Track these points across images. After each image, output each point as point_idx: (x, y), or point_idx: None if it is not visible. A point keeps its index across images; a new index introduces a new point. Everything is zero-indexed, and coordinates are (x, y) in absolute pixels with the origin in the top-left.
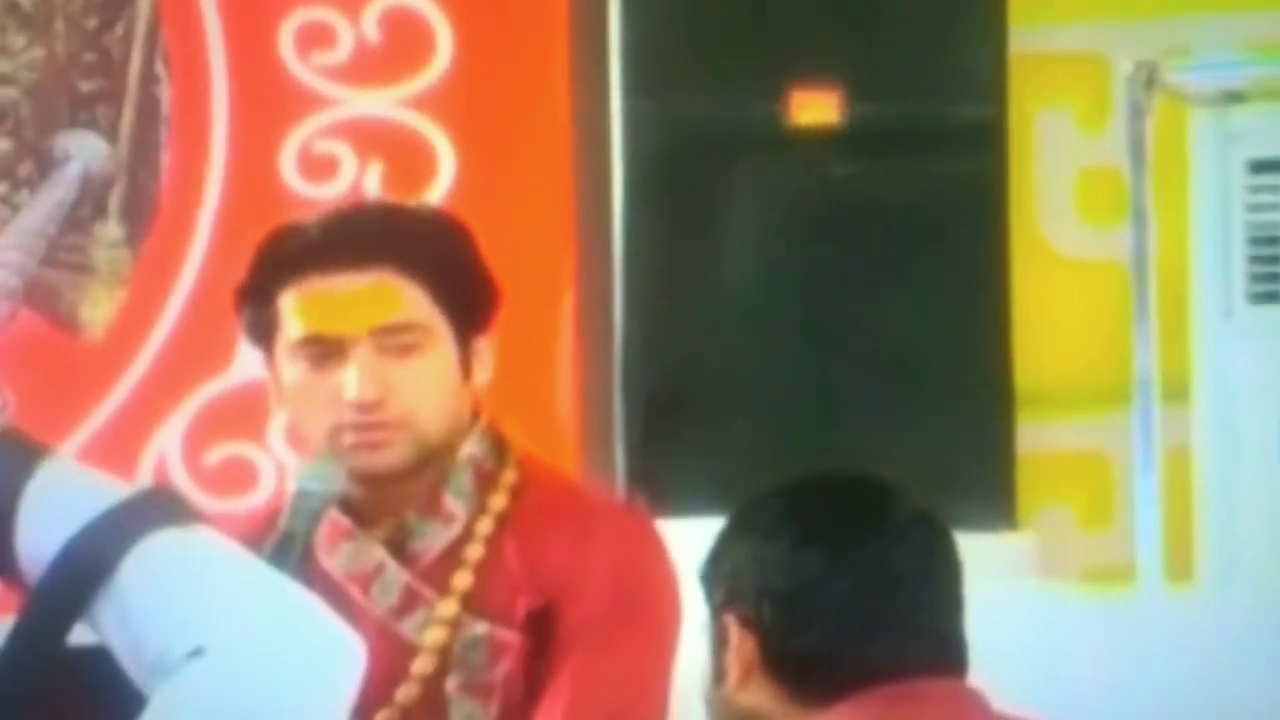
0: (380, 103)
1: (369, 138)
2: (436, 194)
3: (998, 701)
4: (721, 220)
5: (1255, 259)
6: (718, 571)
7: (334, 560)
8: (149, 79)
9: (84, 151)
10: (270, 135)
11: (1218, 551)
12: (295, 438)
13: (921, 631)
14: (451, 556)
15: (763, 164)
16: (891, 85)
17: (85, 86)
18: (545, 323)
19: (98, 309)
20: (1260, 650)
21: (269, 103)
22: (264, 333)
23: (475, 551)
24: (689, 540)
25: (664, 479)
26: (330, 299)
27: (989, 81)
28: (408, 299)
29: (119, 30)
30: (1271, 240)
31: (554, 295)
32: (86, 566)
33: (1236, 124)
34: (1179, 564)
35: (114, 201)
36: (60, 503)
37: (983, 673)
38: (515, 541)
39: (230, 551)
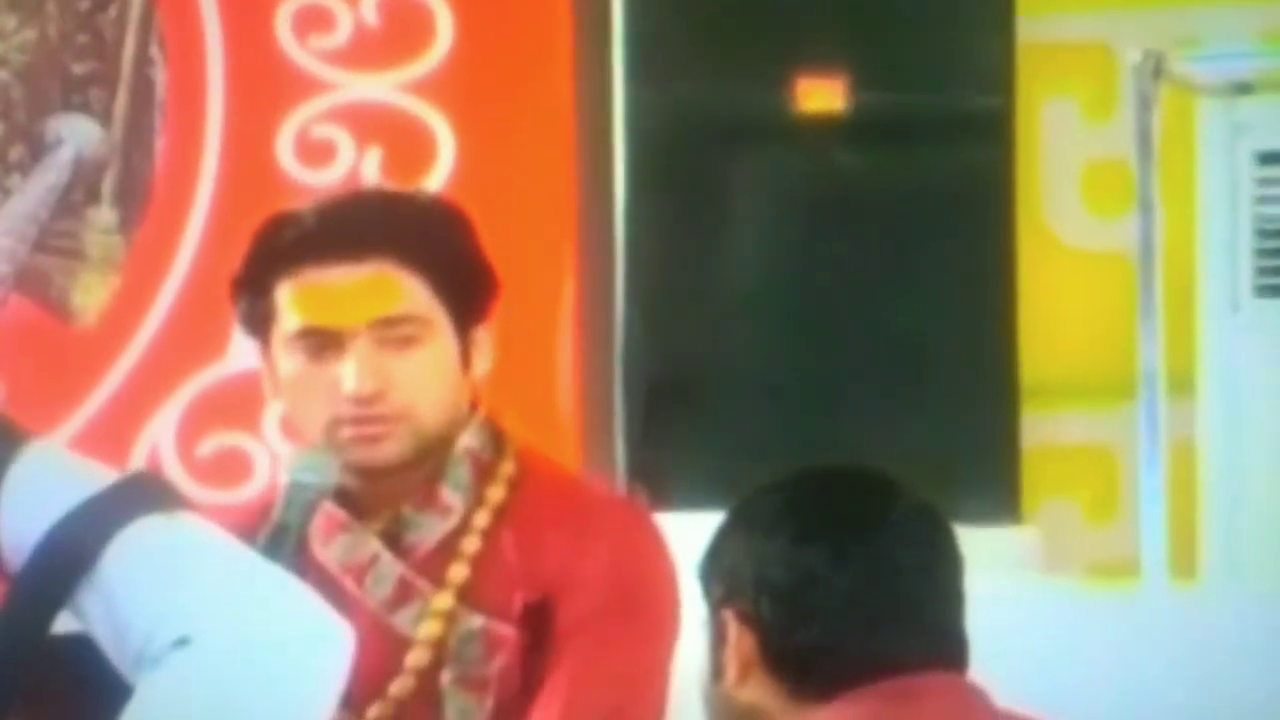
0: (379, 87)
1: (367, 123)
2: (436, 180)
3: (1000, 697)
4: (725, 209)
5: (1262, 252)
6: (716, 567)
7: (328, 552)
8: (143, 61)
9: (76, 135)
10: (267, 119)
11: (1223, 547)
12: (291, 428)
13: (922, 627)
14: (447, 549)
15: (767, 152)
16: (897, 73)
17: (78, 69)
18: (545, 313)
19: (90, 295)
20: (1264, 647)
21: (266, 86)
22: (260, 324)
23: (472, 544)
24: (690, 534)
25: (665, 472)
26: (328, 291)
27: (996, 71)
28: (406, 290)
29: (112, 12)
30: (1279, 233)
31: (554, 285)
32: (69, 554)
33: (1244, 115)
34: (1183, 559)
35: (107, 186)
36: (42, 489)
37: (986, 668)
38: (513, 534)
39: (215, 538)
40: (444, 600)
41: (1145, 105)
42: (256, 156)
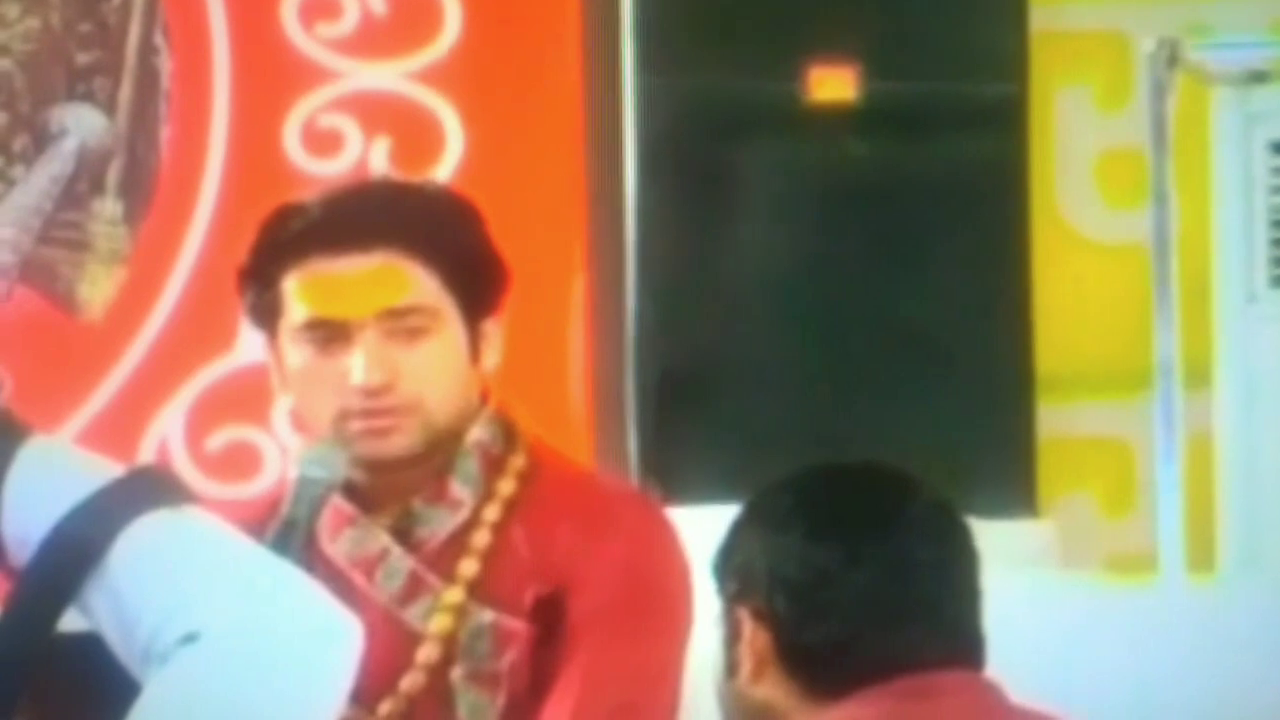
0: (386, 76)
1: (375, 112)
2: (444, 170)
3: (1017, 691)
4: (737, 200)
5: (1278, 242)
6: (730, 563)
7: (337, 547)
8: (148, 50)
9: (81, 125)
10: (273, 109)
11: (1240, 540)
12: (300, 421)
13: (938, 623)
14: (457, 543)
15: (779, 142)
16: (910, 62)
17: (82, 58)
18: (556, 304)
19: (96, 288)
20: None
21: (272, 75)
22: (267, 315)
23: (482, 538)
24: (704, 528)
25: (678, 465)
26: (335, 282)
27: (1009, 59)
28: (415, 281)
29: (116, 0)
30: None
31: (565, 276)
32: (76, 550)
33: (1260, 104)
34: (1201, 552)
35: (112, 177)
36: (45, 484)
37: (1003, 662)
38: (524, 528)
39: (222, 533)
40: (454, 595)
41: (1160, 94)
42: (263, 146)
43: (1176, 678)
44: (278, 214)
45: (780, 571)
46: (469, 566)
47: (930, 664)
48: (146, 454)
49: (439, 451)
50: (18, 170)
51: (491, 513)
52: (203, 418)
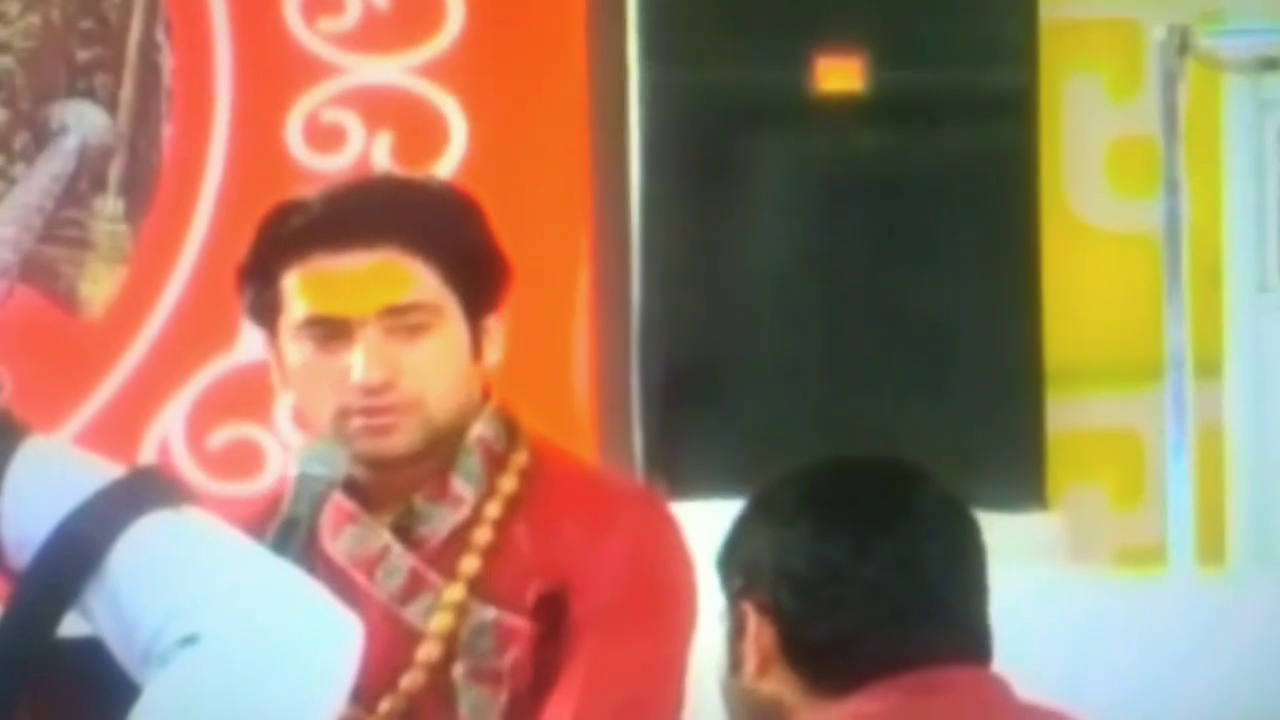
0: (389, 70)
1: (378, 107)
2: (447, 165)
3: (1026, 685)
4: (743, 192)
5: None
6: (735, 558)
7: (338, 545)
8: (149, 47)
9: (82, 122)
10: (275, 105)
11: (1251, 532)
12: (302, 419)
13: (945, 619)
14: (459, 540)
15: (786, 133)
16: (918, 51)
17: (83, 55)
18: (560, 300)
19: (97, 286)
20: None
21: (274, 71)
22: (267, 313)
23: (483, 535)
24: (710, 523)
25: (683, 460)
26: (336, 279)
27: (1019, 47)
28: (416, 278)
29: None
30: None
31: (569, 271)
32: (76, 553)
33: (1272, 92)
34: (1211, 545)
35: (113, 174)
36: (45, 485)
37: (1011, 656)
38: (526, 525)
39: (222, 533)
40: (455, 592)
41: (1170, 83)
42: (265, 142)
43: (1186, 671)
44: (278, 211)
45: (786, 566)
46: (470, 564)
47: (937, 659)
48: (148, 452)
49: (440, 449)
50: (18, 168)
51: (493, 510)
52: (204, 416)
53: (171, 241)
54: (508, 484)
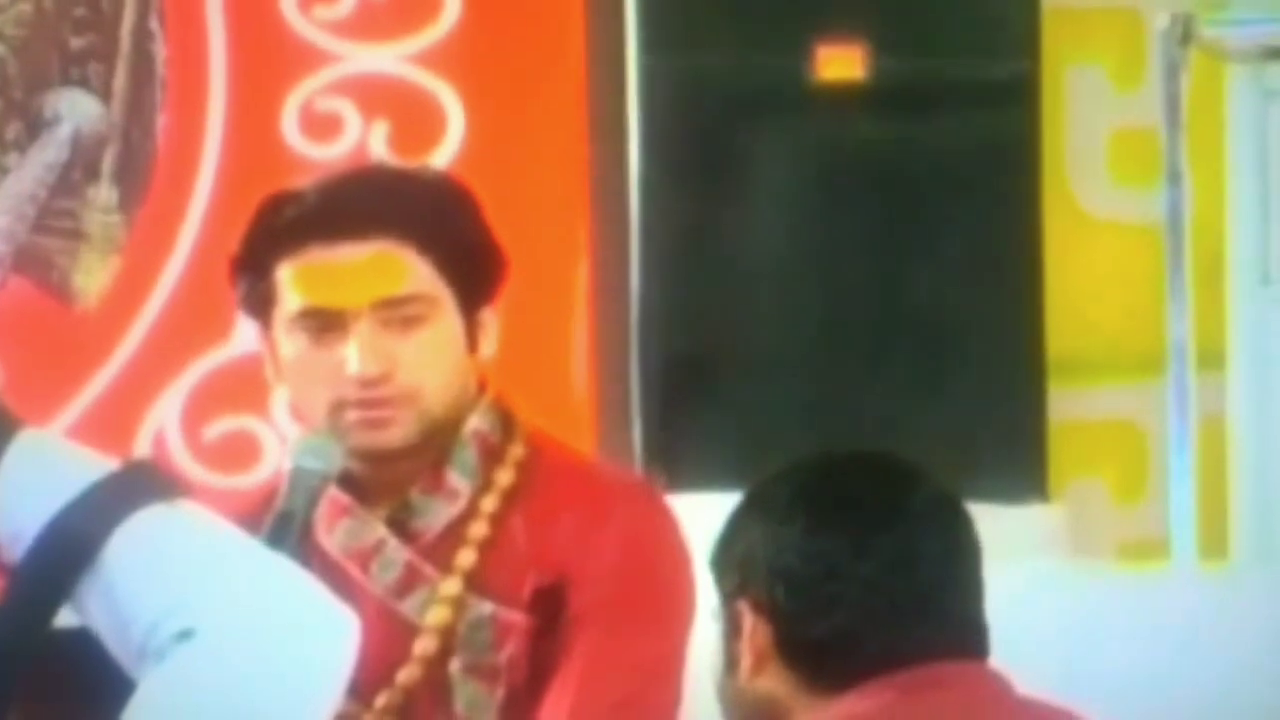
0: (385, 58)
1: (374, 95)
2: (444, 154)
3: (1025, 679)
4: (743, 181)
5: None
6: (730, 556)
7: (333, 538)
8: (143, 35)
9: (75, 111)
10: (271, 93)
11: (1253, 526)
12: (298, 412)
13: (941, 616)
14: (455, 534)
15: (786, 122)
16: (919, 40)
17: (76, 43)
18: (559, 291)
19: (91, 276)
20: None
21: (269, 59)
22: (261, 305)
23: (480, 529)
24: (710, 515)
25: (683, 453)
26: (330, 271)
27: (1020, 36)
28: (410, 270)
29: None
30: None
31: (568, 262)
32: (70, 548)
33: (1275, 81)
34: (1213, 539)
35: (107, 164)
36: (38, 479)
37: (1010, 650)
38: (523, 518)
39: (217, 528)
40: (452, 586)
41: (1173, 72)
42: (260, 131)
43: (1187, 666)
44: (271, 202)
45: (782, 563)
46: (466, 557)
47: (934, 657)
48: (143, 444)
49: (436, 442)
50: (11, 158)
51: (489, 503)
52: (200, 407)
53: (166, 231)
54: (504, 477)
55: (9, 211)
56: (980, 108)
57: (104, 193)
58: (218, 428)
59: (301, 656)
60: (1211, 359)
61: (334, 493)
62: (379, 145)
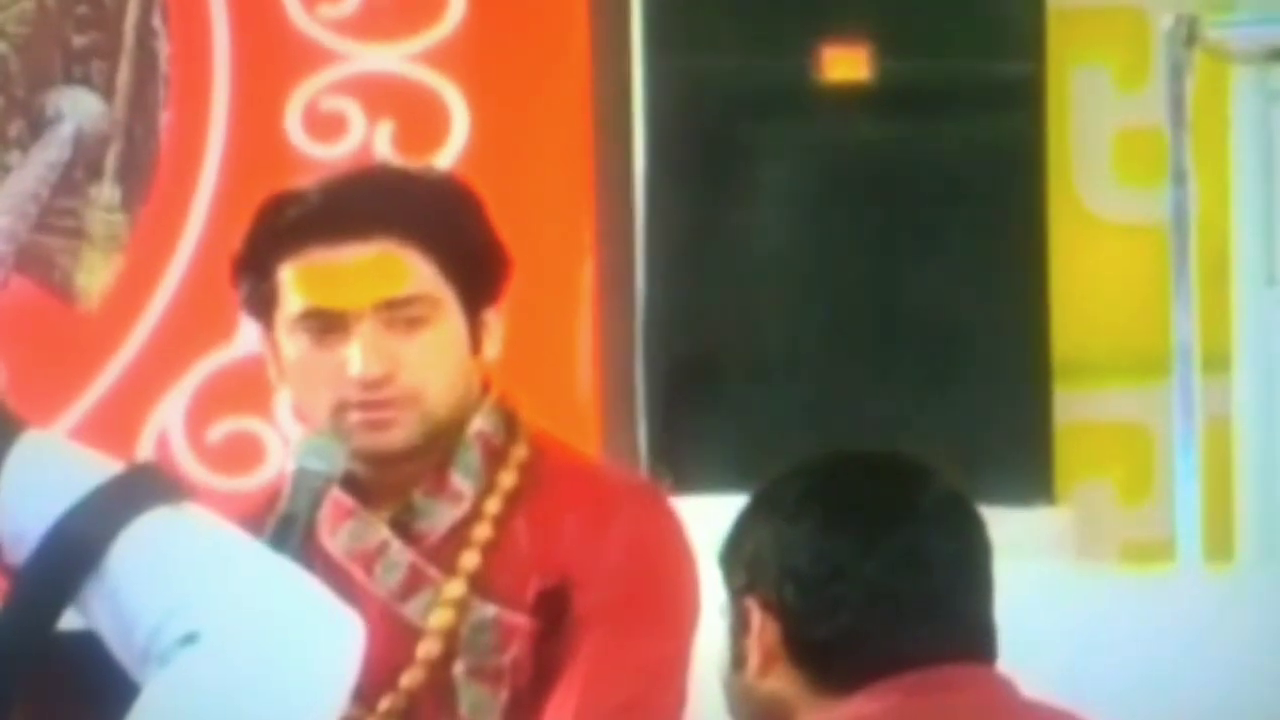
0: (390, 57)
1: (378, 95)
2: (449, 154)
3: (1032, 681)
4: (748, 182)
5: None
6: (738, 554)
7: (336, 540)
8: (146, 33)
9: (77, 110)
10: (275, 92)
11: (1259, 528)
12: (301, 412)
13: (950, 617)
14: (458, 536)
15: (791, 123)
16: (924, 41)
17: (78, 41)
18: (563, 291)
19: (93, 276)
20: None
21: (273, 58)
22: (263, 306)
23: (483, 531)
24: (715, 517)
25: (688, 454)
26: (332, 271)
27: (1025, 37)
28: (413, 271)
29: None
30: None
31: (572, 262)
32: (74, 551)
33: None
34: (1219, 541)
35: (110, 163)
36: (42, 480)
37: (1017, 652)
38: (526, 520)
39: (221, 531)
40: (455, 588)
41: (1178, 73)
42: (264, 130)
43: (1193, 667)
44: (273, 202)
45: (790, 563)
46: (470, 560)
47: (941, 658)
48: (146, 446)
49: (439, 443)
50: (13, 156)
51: (493, 505)
52: (203, 408)
53: (169, 231)
54: (507, 479)
55: (11, 210)
56: (985, 109)
57: (107, 191)
58: (221, 429)
59: (306, 660)
60: (1217, 360)
61: (337, 494)
62: (383, 145)
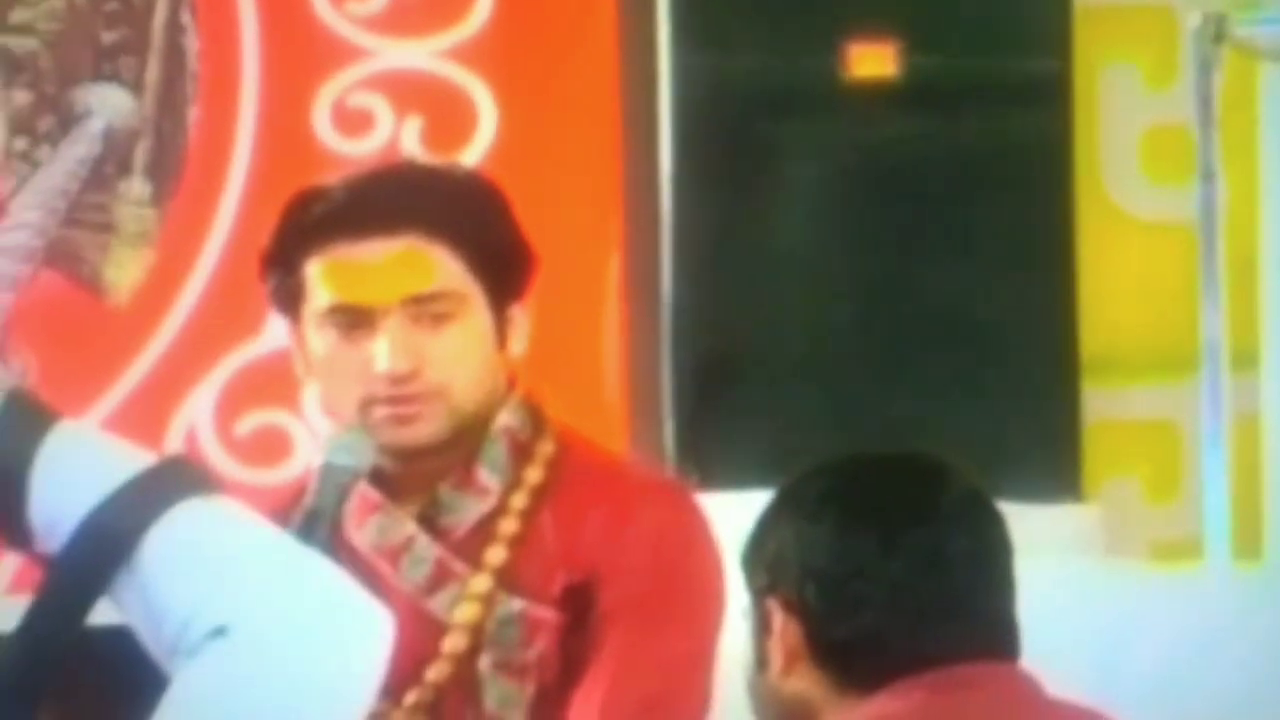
0: (418, 54)
1: (406, 91)
2: (477, 150)
3: (1058, 678)
4: (775, 179)
5: None
6: (760, 554)
7: (362, 535)
8: (175, 29)
9: (107, 105)
10: (303, 88)
11: None
12: (329, 407)
13: (972, 616)
14: (485, 531)
15: (818, 120)
16: (952, 38)
17: (108, 37)
18: (590, 288)
19: (123, 271)
20: None
21: (301, 54)
22: (290, 301)
23: (509, 526)
24: (741, 514)
25: (715, 451)
26: (359, 267)
27: (1053, 35)
28: (440, 266)
29: None
30: None
31: (599, 258)
32: (109, 541)
33: None
34: (1247, 539)
35: (139, 158)
36: (75, 470)
37: (1043, 650)
38: (552, 516)
39: (252, 523)
40: (481, 583)
41: (1206, 71)
42: (292, 126)
43: (1221, 666)
44: (300, 198)
45: (812, 562)
46: (496, 554)
47: (964, 657)
48: (174, 440)
49: (466, 438)
50: (43, 151)
51: (519, 500)
52: (232, 402)
53: (198, 226)
54: (533, 474)
55: (41, 206)
56: (1013, 106)
57: (136, 187)
58: (249, 423)
59: (336, 654)
60: (1245, 358)
61: (364, 489)
62: (411, 141)
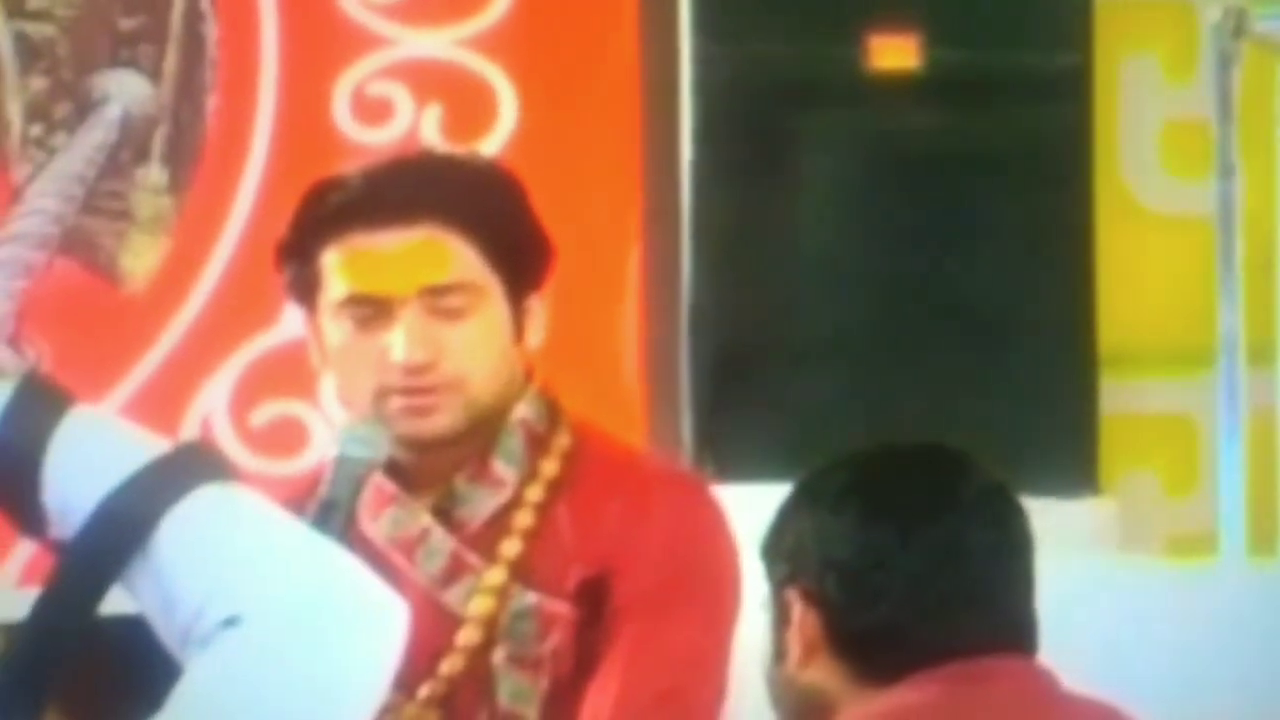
0: (438, 43)
1: (426, 80)
2: (497, 140)
3: (1074, 672)
4: (795, 171)
5: None
6: (780, 545)
7: (377, 526)
8: (193, 16)
9: (125, 92)
10: (322, 76)
11: None
12: (345, 397)
13: (991, 609)
14: (500, 523)
15: (839, 111)
16: (973, 30)
17: (126, 24)
18: (609, 279)
19: (139, 258)
20: None
21: (321, 42)
22: (306, 291)
23: (525, 518)
24: (759, 507)
25: (733, 443)
26: (376, 257)
27: (1074, 28)
28: (457, 257)
29: None
30: None
31: (619, 250)
32: (122, 527)
33: None
34: (1263, 533)
35: (156, 145)
36: (91, 454)
37: (1059, 644)
38: (568, 508)
39: (267, 512)
40: (496, 576)
41: (1225, 65)
42: (311, 115)
43: (1236, 660)
44: (317, 188)
45: (832, 553)
46: (511, 547)
47: (982, 650)
48: (190, 429)
49: (482, 430)
50: (59, 138)
51: (535, 493)
52: (248, 392)
53: (215, 214)
54: (549, 467)
55: (57, 193)
56: (1033, 99)
57: (153, 174)
58: (265, 413)
59: (350, 644)
60: (1262, 352)
61: (379, 480)
62: (430, 130)
